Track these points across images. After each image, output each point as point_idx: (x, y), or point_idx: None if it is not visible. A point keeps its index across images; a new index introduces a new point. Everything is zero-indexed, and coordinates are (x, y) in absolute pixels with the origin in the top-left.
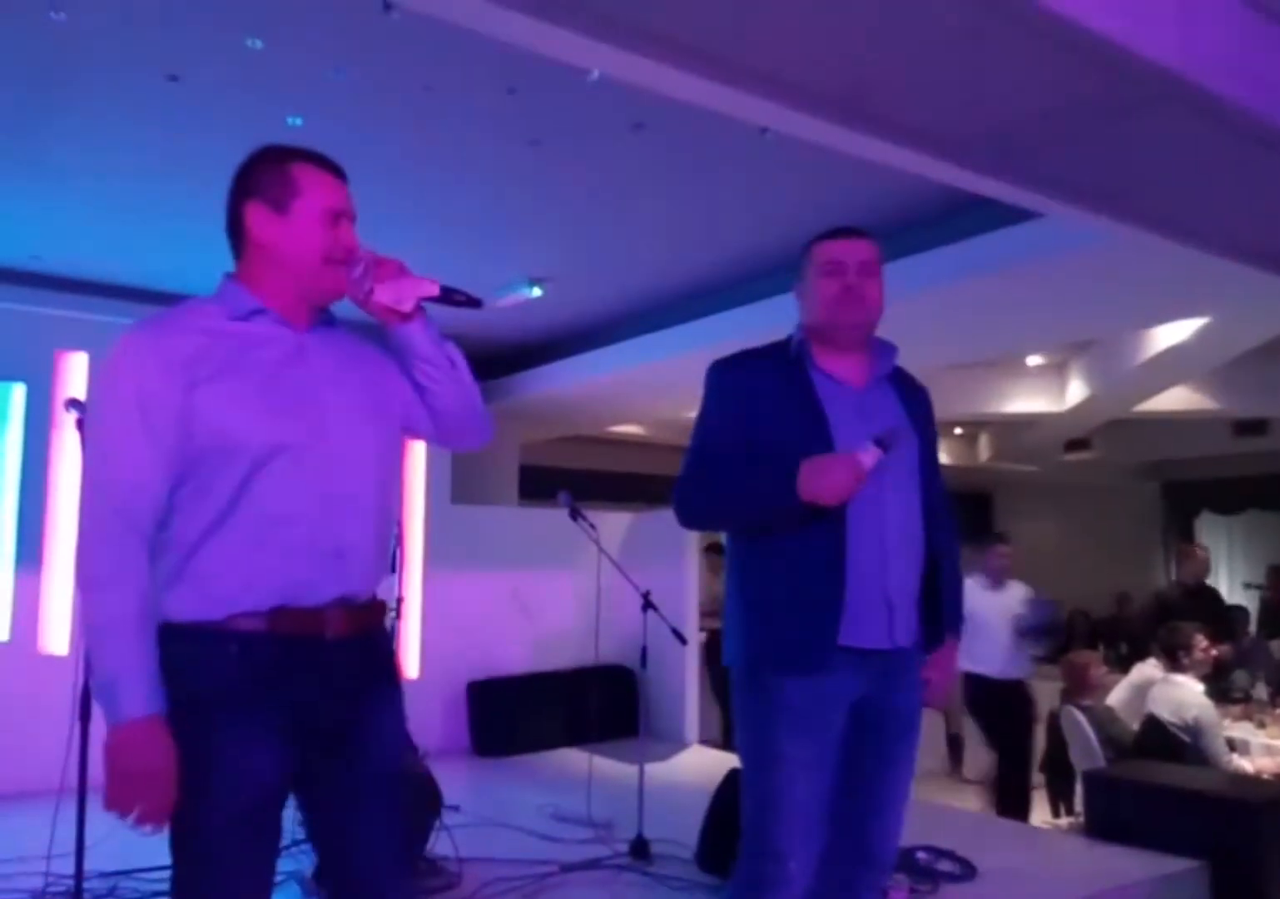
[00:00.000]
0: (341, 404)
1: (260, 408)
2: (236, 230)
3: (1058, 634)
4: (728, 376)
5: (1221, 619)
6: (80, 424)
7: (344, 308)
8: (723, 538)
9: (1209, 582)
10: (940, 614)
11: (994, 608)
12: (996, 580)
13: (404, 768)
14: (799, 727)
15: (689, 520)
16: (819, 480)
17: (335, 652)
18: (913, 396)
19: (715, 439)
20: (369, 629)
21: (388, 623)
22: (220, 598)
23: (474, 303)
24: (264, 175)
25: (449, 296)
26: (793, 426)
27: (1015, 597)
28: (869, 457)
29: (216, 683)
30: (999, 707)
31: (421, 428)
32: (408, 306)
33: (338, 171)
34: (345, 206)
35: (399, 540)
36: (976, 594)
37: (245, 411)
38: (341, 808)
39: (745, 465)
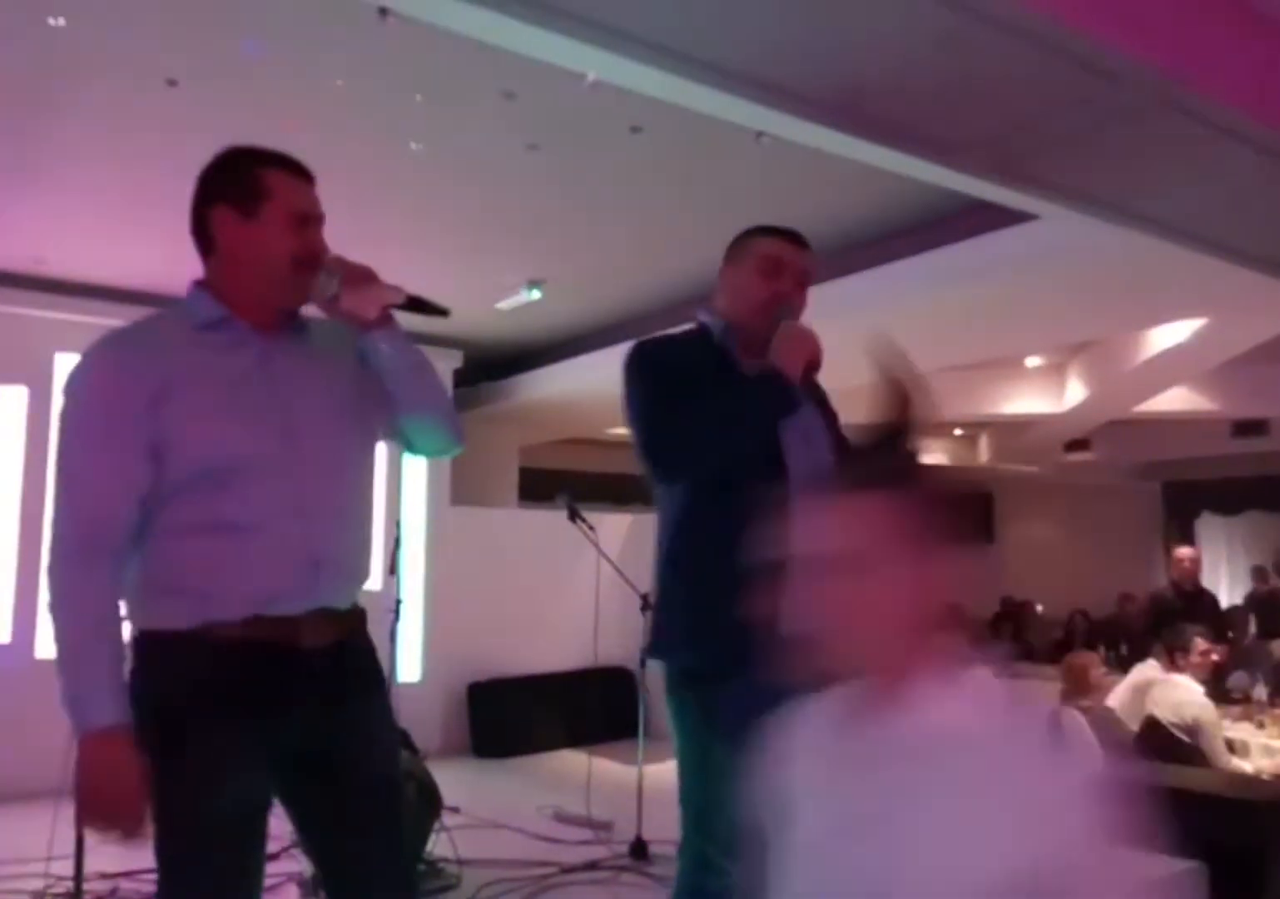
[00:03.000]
0: (312, 411)
1: (227, 419)
2: (203, 234)
3: None
4: (661, 354)
5: (1218, 621)
6: None
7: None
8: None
9: (1205, 584)
10: None
11: None
12: None
13: (395, 774)
14: (737, 731)
15: (672, 454)
16: (788, 350)
17: (313, 660)
18: (817, 395)
19: (672, 393)
20: (349, 637)
21: (389, 628)
22: (194, 607)
23: (441, 312)
24: (231, 179)
25: (415, 305)
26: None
27: None
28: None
29: (191, 692)
30: None
31: (393, 435)
32: (373, 313)
33: (306, 174)
34: (313, 210)
35: (398, 543)
36: None
37: (212, 423)
38: (332, 821)
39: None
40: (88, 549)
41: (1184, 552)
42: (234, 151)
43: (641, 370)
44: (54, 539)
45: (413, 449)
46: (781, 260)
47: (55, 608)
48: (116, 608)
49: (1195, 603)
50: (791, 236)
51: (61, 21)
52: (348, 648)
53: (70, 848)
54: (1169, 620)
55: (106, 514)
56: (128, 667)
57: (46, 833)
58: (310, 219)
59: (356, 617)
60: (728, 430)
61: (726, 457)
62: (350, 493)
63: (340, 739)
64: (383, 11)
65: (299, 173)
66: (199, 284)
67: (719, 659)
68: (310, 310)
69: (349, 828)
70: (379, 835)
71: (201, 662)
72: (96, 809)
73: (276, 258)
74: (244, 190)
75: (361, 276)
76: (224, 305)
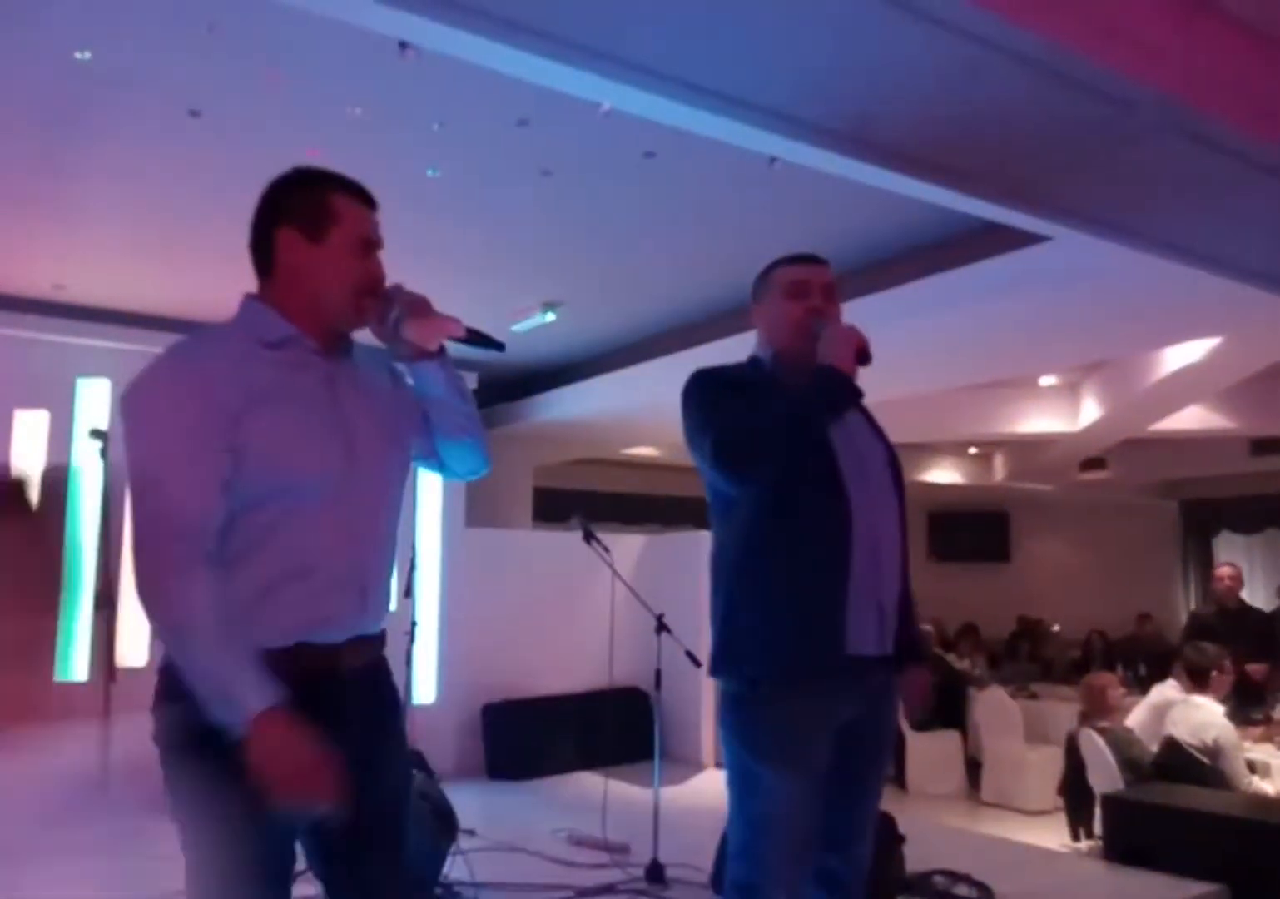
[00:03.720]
0: (368, 433)
1: (308, 443)
2: (265, 252)
3: None
4: (721, 374)
5: (1267, 639)
6: (103, 452)
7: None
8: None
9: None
10: (914, 627)
11: None
12: None
13: (407, 798)
14: (793, 754)
15: (744, 448)
16: (835, 346)
17: (349, 688)
18: (871, 416)
19: (736, 400)
20: (377, 662)
21: (404, 650)
22: (245, 633)
23: (497, 346)
24: (299, 200)
25: (474, 337)
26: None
27: None
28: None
29: None
30: None
31: (428, 459)
32: (434, 344)
33: (371, 200)
34: (376, 237)
35: (413, 565)
36: None
37: (294, 445)
38: (345, 846)
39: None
40: (197, 552)
41: (1225, 569)
42: (303, 172)
43: (703, 387)
44: (151, 550)
45: (445, 471)
46: (805, 280)
47: (172, 624)
48: (222, 601)
49: (1239, 620)
50: (808, 258)
51: (87, 55)
52: (376, 672)
53: None
54: (1212, 637)
55: (211, 516)
56: (172, 690)
57: None
58: (373, 246)
59: (383, 640)
60: (796, 422)
61: (798, 449)
62: (391, 518)
63: (366, 763)
64: (403, 45)
65: (365, 199)
66: (256, 299)
67: (793, 667)
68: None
69: (360, 853)
70: (388, 861)
71: None
72: (292, 785)
73: (340, 283)
74: (312, 213)
75: (422, 307)
76: (291, 324)
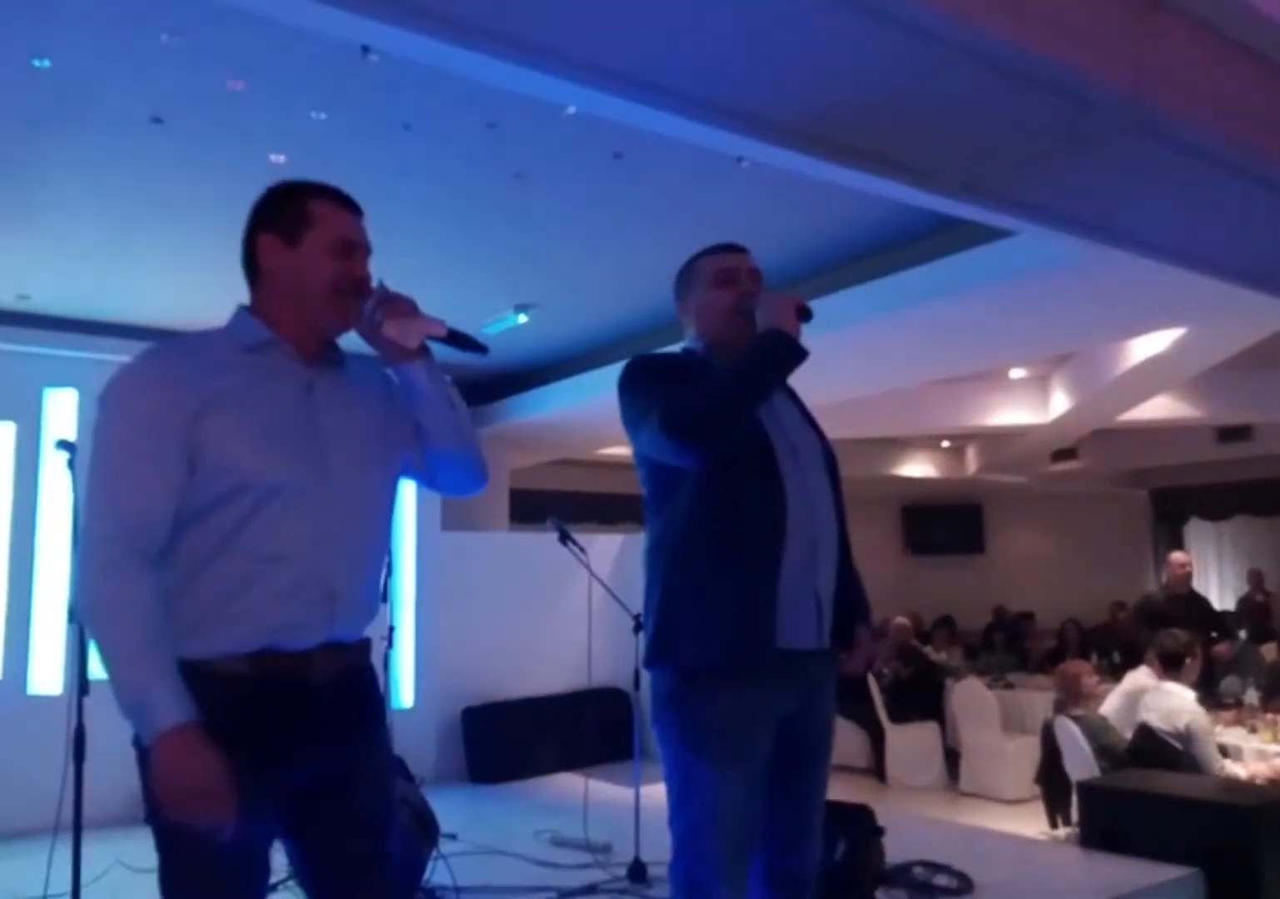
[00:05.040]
0: (345, 447)
1: (267, 445)
2: (250, 262)
3: None
4: (658, 358)
5: (1215, 623)
6: (71, 464)
7: (349, 339)
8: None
9: (1196, 588)
10: (853, 614)
11: None
12: None
13: (390, 808)
14: (734, 747)
15: (697, 417)
16: (774, 310)
17: (321, 695)
18: (805, 406)
19: (678, 378)
20: (356, 670)
21: (382, 655)
22: (206, 637)
23: (479, 348)
24: (278, 208)
25: (455, 339)
26: None
27: None
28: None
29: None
30: None
31: (418, 471)
32: (413, 344)
33: (351, 205)
34: (357, 238)
35: (390, 570)
36: None
37: (252, 447)
38: (330, 858)
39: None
40: (130, 553)
41: (1181, 556)
42: (283, 184)
43: (644, 369)
44: (90, 546)
45: (436, 485)
46: (733, 268)
47: (98, 618)
48: (161, 608)
49: (1188, 606)
50: (730, 246)
51: (46, 62)
52: (356, 680)
53: (67, 887)
54: (1157, 624)
55: (151, 517)
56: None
57: (42, 872)
58: (353, 247)
59: (364, 648)
60: (746, 386)
61: (750, 416)
62: (371, 528)
63: (344, 775)
64: (365, 49)
65: (344, 203)
66: (245, 308)
67: (727, 659)
68: (348, 344)
69: (344, 865)
70: (374, 872)
71: (209, 694)
72: (185, 804)
73: (316, 284)
74: (289, 218)
75: (404, 307)
76: (270, 330)
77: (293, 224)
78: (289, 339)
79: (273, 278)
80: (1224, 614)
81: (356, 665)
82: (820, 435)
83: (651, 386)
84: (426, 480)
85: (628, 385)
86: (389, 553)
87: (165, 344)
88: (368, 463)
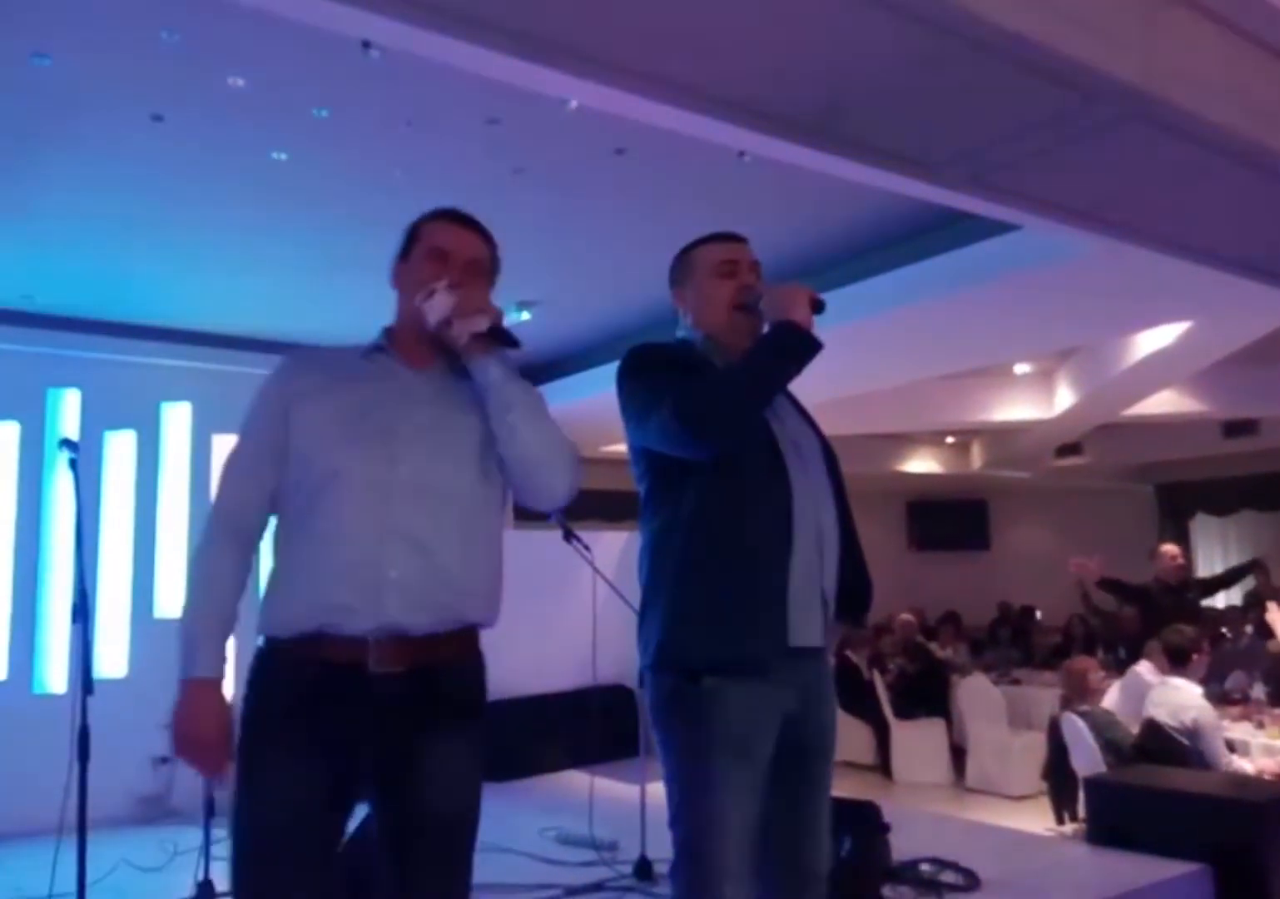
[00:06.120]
0: (429, 443)
1: (333, 433)
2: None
3: None
4: (659, 348)
5: (1193, 617)
6: (73, 463)
7: None
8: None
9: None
10: (856, 610)
11: None
12: None
13: (462, 811)
14: (739, 746)
15: (710, 406)
16: (786, 302)
17: (381, 685)
18: (801, 405)
19: (682, 370)
20: (430, 665)
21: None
22: (279, 615)
23: (513, 343)
24: (405, 237)
25: (493, 333)
26: None
27: None
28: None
29: (264, 700)
30: None
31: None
32: (463, 341)
33: (459, 219)
34: (450, 246)
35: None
36: None
37: (321, 434)
38: (389, 847)
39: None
40: (223, 532)
41: (1173, 548)
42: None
43: (648, 358)
44: (207, 521)
45: (518, 496)
46: (735, 259)
47: (189, 578)
48: (235, 581)
49: (1176, 596)
50: (730, 236)
51: (47, 61)
52: (429, 675)
53: (72, 885)
54: (1155, 614)
55: (246, 505)
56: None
57: (47, 871)
58: (447, 254)
59: (442, 644)
60: (760, 378)
61: (763, 408)
62: (453, 523)
63: (411, 767)
64: (366, 45)
65: (452, 219)
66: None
67: (737, 658)
68: None
69: (402, 854)
70: (434, 868)
71: (276, 673)
72: (187, 745)
73: (414, 289)
74: (406, 241)
75: (470, 306)
76: (385, 339)
77: (407, 244)
78: (400, 347)
79: (397, 292)
80: (1227, 611)
81: (430, 658)
82: (819, 432)
83: (656, 376)
84: (515, 493)
85: (629, 375)
86: (494, 554)
87: (302, 349)
88: (460, 462)
